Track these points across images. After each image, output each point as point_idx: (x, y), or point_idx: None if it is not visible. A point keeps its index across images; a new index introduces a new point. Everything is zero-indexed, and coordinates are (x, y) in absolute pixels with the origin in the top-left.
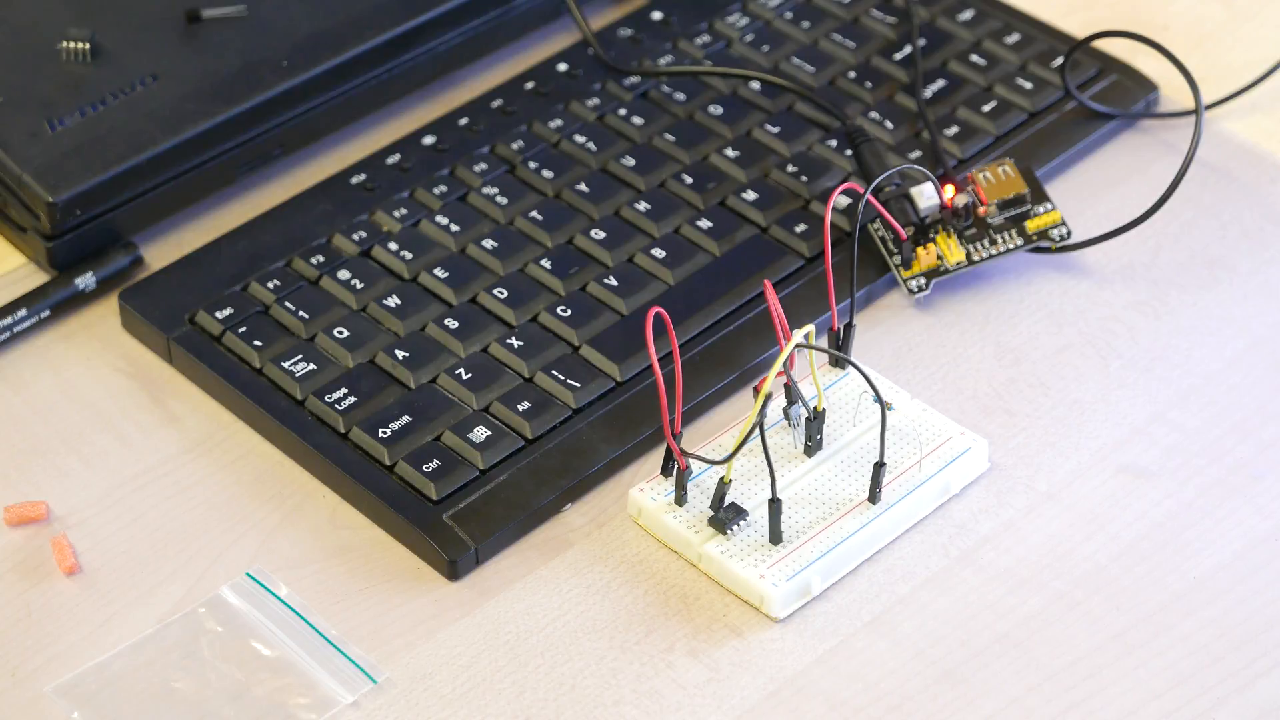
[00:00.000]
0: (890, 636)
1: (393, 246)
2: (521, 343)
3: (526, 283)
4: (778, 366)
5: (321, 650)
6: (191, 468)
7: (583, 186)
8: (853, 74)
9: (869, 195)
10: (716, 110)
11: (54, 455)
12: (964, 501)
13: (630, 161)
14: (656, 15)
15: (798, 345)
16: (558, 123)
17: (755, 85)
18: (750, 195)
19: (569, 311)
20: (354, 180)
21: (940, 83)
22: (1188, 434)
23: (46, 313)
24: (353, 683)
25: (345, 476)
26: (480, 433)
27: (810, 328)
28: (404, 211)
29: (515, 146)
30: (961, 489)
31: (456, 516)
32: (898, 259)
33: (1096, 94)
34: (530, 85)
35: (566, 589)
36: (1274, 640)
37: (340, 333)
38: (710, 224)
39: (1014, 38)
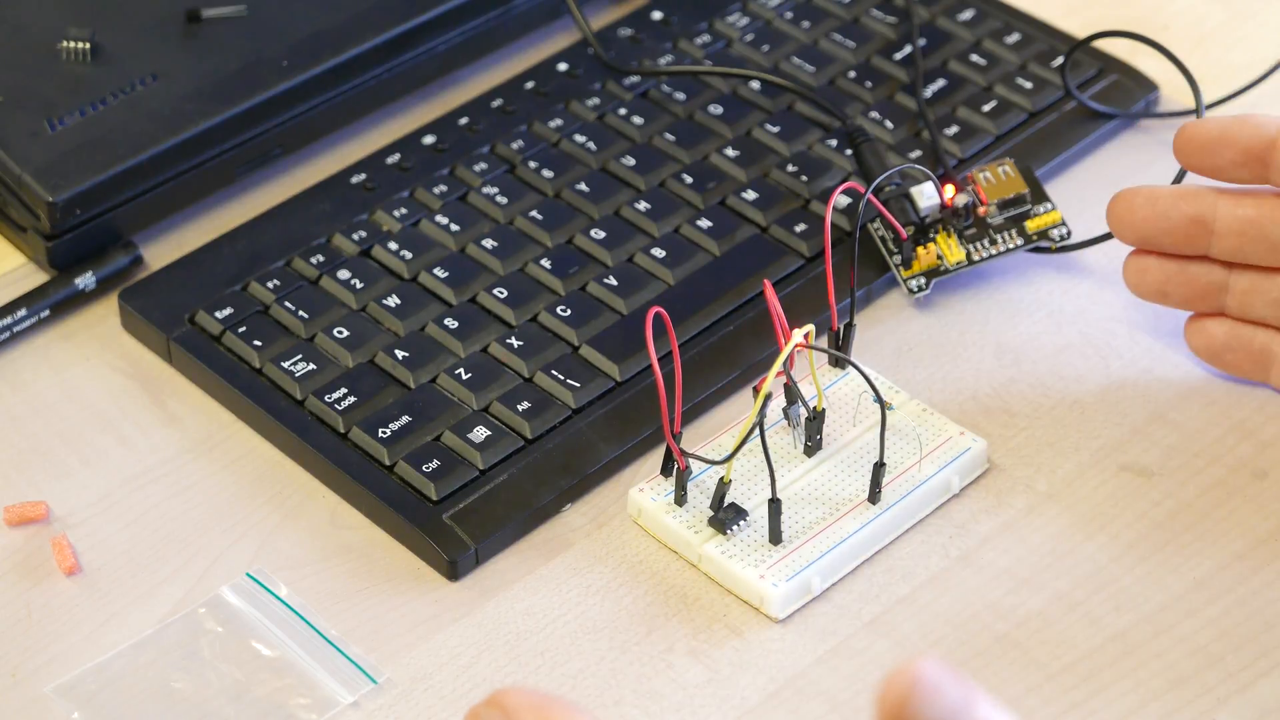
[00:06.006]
0: (890, 636)
1: (393, 246)
2: (521, 343)
3: (526, 283)
4: (778, 366)
5: (321, 650)
6: (191, 468)
7: (583, 186)
8: (853, 74)
9: (869, 195)
10: (716, 110)
11: (54, 455)
12: (964, 501)
13: (630, 161)
14: (656, 15)
15: (798, 345)
16: (558, 122)
17: (755, 85)
18: (750, 195)
19: (569, 311)
20: (354, 180)
21: (940, 82)
22: (1188, 434)
23: (46, 313)
24: (353, 683)
25: (345, 476)
26: (480, 433)
27: (810, 327)
28: (404, 211)
29: (515, 146)
30: (961, 489)
31: (456, 516)
32: (898, 259)
33: (1096, 94)
34: (530, 85)
35: (566, 589)
36: (1274, 640)
37: (340, 333)
38: (710, 224)
39: (1014, 38)
